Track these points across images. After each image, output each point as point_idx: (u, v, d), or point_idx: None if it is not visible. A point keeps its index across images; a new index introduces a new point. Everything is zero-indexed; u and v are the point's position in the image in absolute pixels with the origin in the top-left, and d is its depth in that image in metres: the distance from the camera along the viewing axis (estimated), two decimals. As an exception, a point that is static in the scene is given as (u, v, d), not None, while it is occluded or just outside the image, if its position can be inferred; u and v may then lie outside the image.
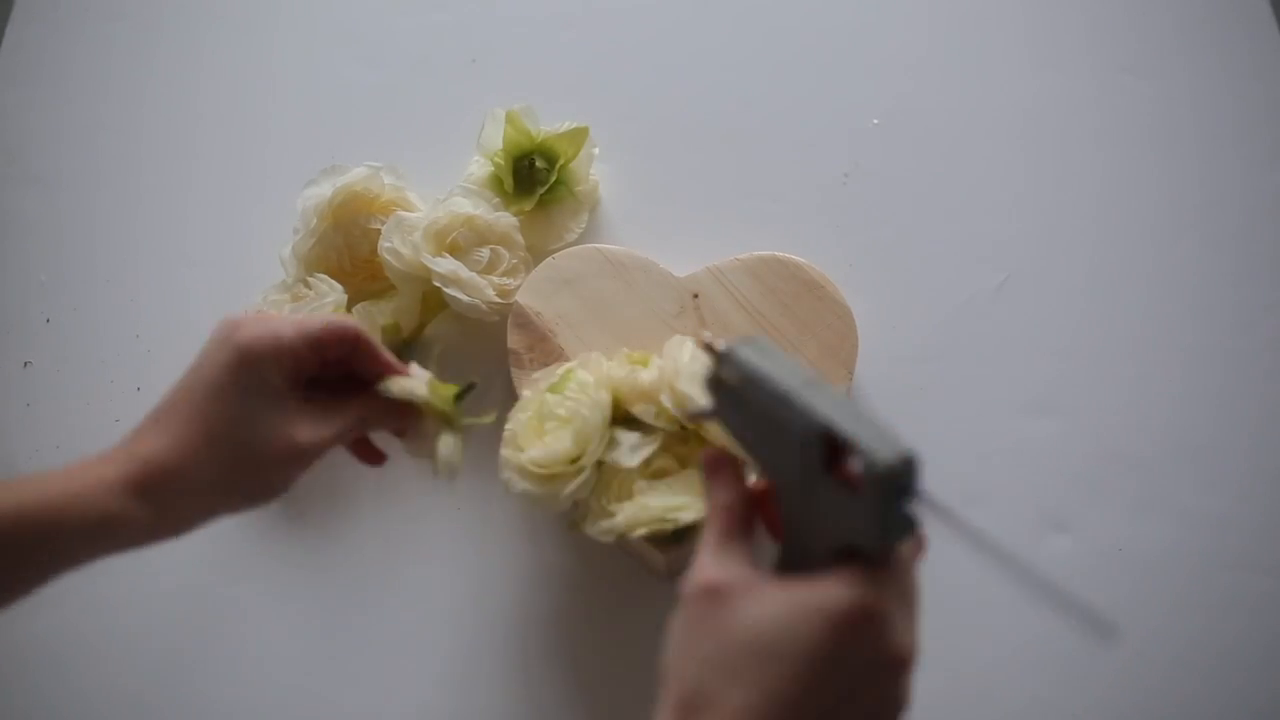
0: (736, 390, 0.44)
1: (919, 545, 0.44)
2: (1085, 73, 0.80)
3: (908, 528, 0.41)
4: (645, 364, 0.60)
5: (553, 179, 0.71)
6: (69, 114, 0.79)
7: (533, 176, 0.71)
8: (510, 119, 0.71)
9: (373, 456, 0.57)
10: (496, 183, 0.71)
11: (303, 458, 0.50)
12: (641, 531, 0.56)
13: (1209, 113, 0.79)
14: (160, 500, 0.46)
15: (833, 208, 0.76)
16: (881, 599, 0.40)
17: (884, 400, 0.68)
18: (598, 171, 0.74)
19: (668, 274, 0.67)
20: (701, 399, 0.53)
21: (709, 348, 0.46)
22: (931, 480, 0.66)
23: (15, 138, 0.78)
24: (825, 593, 0.39)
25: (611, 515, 0.57)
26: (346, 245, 0.69)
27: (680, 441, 0.59)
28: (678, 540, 0.58)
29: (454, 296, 0.65)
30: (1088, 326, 0.72)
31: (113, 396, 0.70)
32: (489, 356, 0.68)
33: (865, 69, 0.81)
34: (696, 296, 0.66)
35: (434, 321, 0.70)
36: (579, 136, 0.71)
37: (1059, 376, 0.70)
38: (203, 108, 0.79)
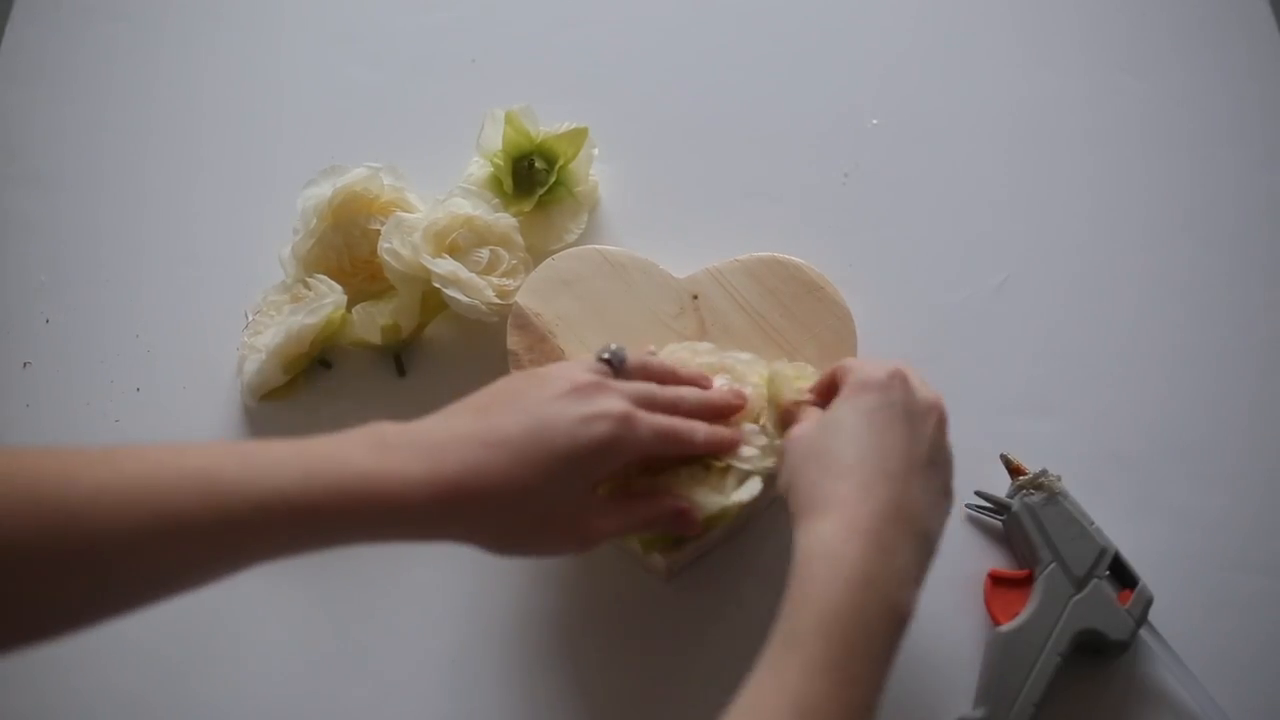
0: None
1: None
2: (1084, 73, 0.80)
3: None
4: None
5: (552, 179, 0.71)
6: (69, 114, 0.79)
7: (532, 177, 0.71)
8: (510, 119, 0.71)
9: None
10: (496, 183, 0.71)
11: (586, 542, 0.51)
12: (641, 538, 0.57)
13: (1208, 113, 0.79)
14: (452, 516, 0.47)
15: (833, 208, 0.76)
16: (897, 370, 0.52)
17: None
18: (597, 172, 0.74)
19: (667, 275, 0.67)
20: None
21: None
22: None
23: (15, 138, 0.78)
24: (857, 374, 0.52)
25: None
26: (346, 246, 0.69)
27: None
28: (677, 542, 0.58)
29: (453, 297, 0.65)
30: (1086, 327, 0.72)
31: (113, 396, 0.70)
32: (488, 357, 0.68)
33: (865, 69, 0.81)
34: (696, 297, 0.66)
35: (433, 322, 0.70)
36: (578, 137, 0.71)
37: (1058, 376, 0.70)
38: (203, 108, 0.80)
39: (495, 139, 0.71)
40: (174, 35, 0.82)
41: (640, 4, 0.83)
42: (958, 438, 0.66)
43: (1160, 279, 0.73)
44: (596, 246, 0.68)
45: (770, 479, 0.56)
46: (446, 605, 0.64)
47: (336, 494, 0.44)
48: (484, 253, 0.67)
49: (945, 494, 0.52)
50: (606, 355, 0.55)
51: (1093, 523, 0.62)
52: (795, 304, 0.65)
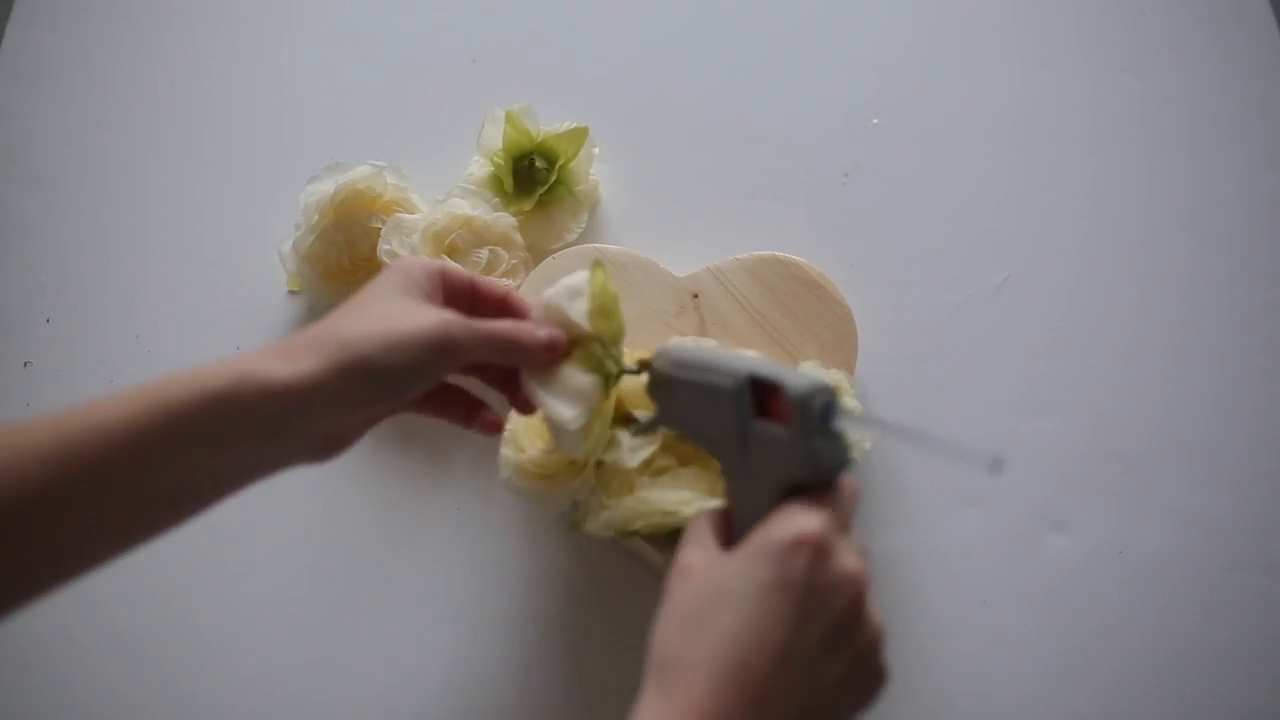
0: (671, 382, 0.50)
1: (855, 490, 0.46)
2: (1085, 73, 0.80)
3: (840, 454, 0.45)
4: None
5: (552, 179, 0.71)
6: (70, 113, 0.79)
7: (532, 176, 0.71)
8: (510, 119, 0.71)
9: (526, 407, 0.55)
10: (496, 183, 0.71)
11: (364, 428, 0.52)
12: (639, 525, 0.57)
13: (1208, 113, 0.79)
14: (349, 374, 0.46)
15: (833, 208, 0.76)
16: (820, 524, 0.43)
17: (884, 400, 0.68)
18: (598, 171, 0.74)
19: (668, 274, 0.67)
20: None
21: (642, 362, 0.53)
22: (931, 480, 0.67)
23: (16, 137, 0.78)
24: (767, 531, 0.43)
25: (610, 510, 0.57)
26: (347, 243, 0.69)
27: (680, 439, 0.59)
28: (676, 539, 0.58)
29: (453, 297, 0.65)
30: (1087, 326, 0.72)
31: (113, 396, 0.70)
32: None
33: (865, 69, 0.81)
34: (696, 296, 0.66)
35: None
36: (579, 136, 0.71)
37: (1058, 376, 0.70)
38: (203, 107, 0.79)
39: (495, 138, 0.71)
40: (175, 35, 0.82)
41: (640, 4, 0.83)
42: (958, 437, 0.67)
43: (1160, 279, 0.73)
44: (597, 245, 0.68)
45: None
46: (446, 605, 0.64)
47: (234, 381, 0.44)
48: (483, 253, 0.67)
49: (855, 679, 0.44)
50: None
51: (712, 367, 0.48)
52: (796, 303, 0.65)
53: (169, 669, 0.62)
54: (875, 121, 0.79)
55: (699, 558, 0.45)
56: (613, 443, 0.58)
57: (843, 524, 0.45)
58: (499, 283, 0.56)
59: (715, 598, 0.43)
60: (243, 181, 0.77)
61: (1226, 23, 0.82)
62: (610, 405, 0.55)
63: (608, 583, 0.64)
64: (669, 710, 0.41)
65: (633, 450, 0.58)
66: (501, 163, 0.71)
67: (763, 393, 0.46)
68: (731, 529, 0.48)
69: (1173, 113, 0.79)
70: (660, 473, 0.59)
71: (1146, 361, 0.71)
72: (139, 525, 0.45)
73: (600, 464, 0.58)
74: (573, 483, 0.57)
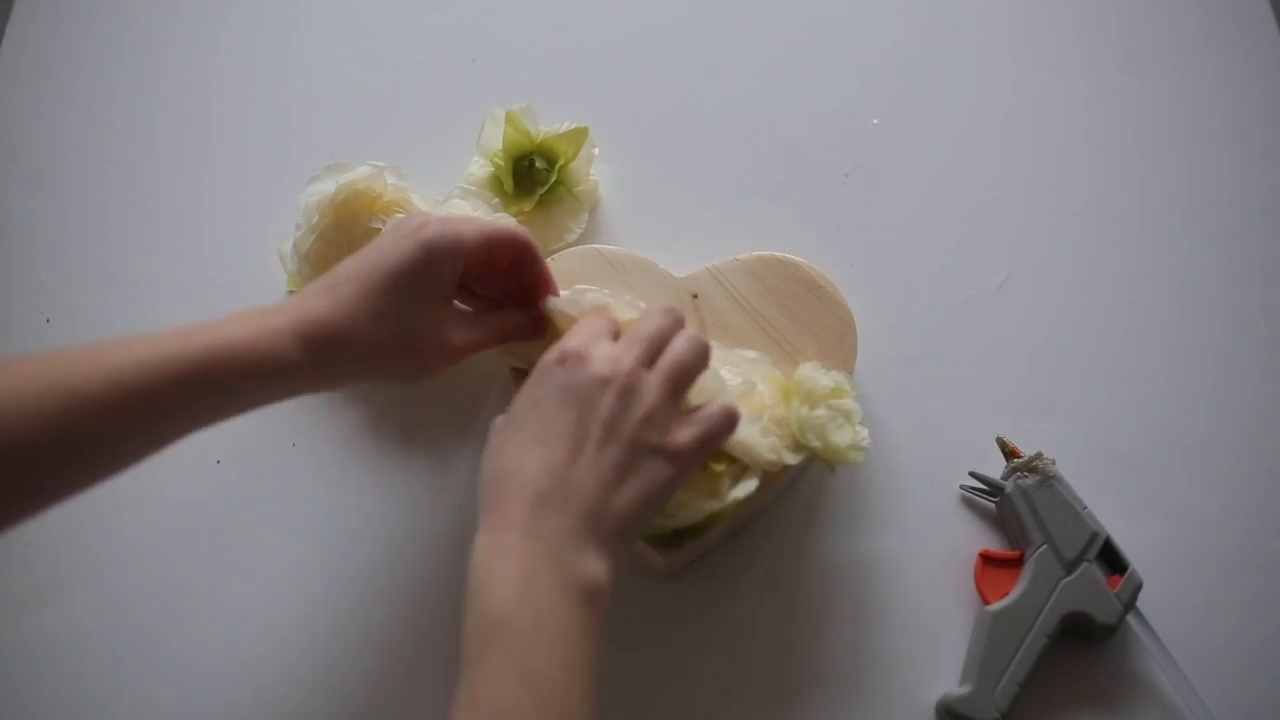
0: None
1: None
2: (1085, 73, 0.80)
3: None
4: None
5: (552, 179, 0.71)
6: (70, 113, 0.79)
7: (532, 177, 0.71)
8: (510, 119, 0.71)
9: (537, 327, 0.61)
10: (496, 183, 0.71)
11: (451, 356, 0.57)
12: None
13: (1209, 113, 0.79)
14: (322, 355, 0.51)
15: (832, 208, 0.76)
16: (577, 339, 0.52)
17: (883, 400, 0.68)
18: (597, 172, 0.74)
19: (667, 274, 0.67)
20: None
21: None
22: (931, 481, 0.67)
23: (16, 138, 0.78)
24: (536, 374, 0.52)
25: None
26: (347, 243, 0.69)
27: None
28: (677, 542, 0.58)
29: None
30: (1086, 326, 0.72)
31: (113, 396, 0.70)
32: (487, 354, 0.68)
33: (865, 69, 0.81)
34: (696, 296, 0.66)
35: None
36: (579, 137, 0.71)
37: (1057, 376, 0.70)
38: (204, 107, 0.79)
39: (495, 139, 0.71)
40: (175, 35, 0.82)
41: (640, 4, 0.83)
42: (958, 437, 0.67)
43: (1160, 279, 0.73)
44: (596, 246, 0.68)
45: (767, 477, 0.57)
46: (443, 605, 0.64)
47: (211, 351, 0.49)
48: (483, 253, 0.67)
49: (639, 463, 0.50)
50: None
51: (1085, 507, 0.63)
52: (796, 303, 0.65)
53: (172, 667, 0.62)
54: (875, 122, 0.79)
55: (499, 419, 0.53)
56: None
57: (633, 336, 0.53)
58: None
59: (506, 427, 0.51)
60: (243, 182, 0.77)
61: (1226, 23, 0.82)
62: None
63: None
64: (487, 537, 0.48)
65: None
66: (501, 163, 0.71)
67: None
68: None
69: (1173, 113, 0.79)
70: None
71: (1145, 362, 0.71)
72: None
73: None
74: None
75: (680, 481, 0.52)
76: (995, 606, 0.60)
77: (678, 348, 0.53)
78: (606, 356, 0.51)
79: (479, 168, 0.72)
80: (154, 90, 0.80)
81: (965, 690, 0.58)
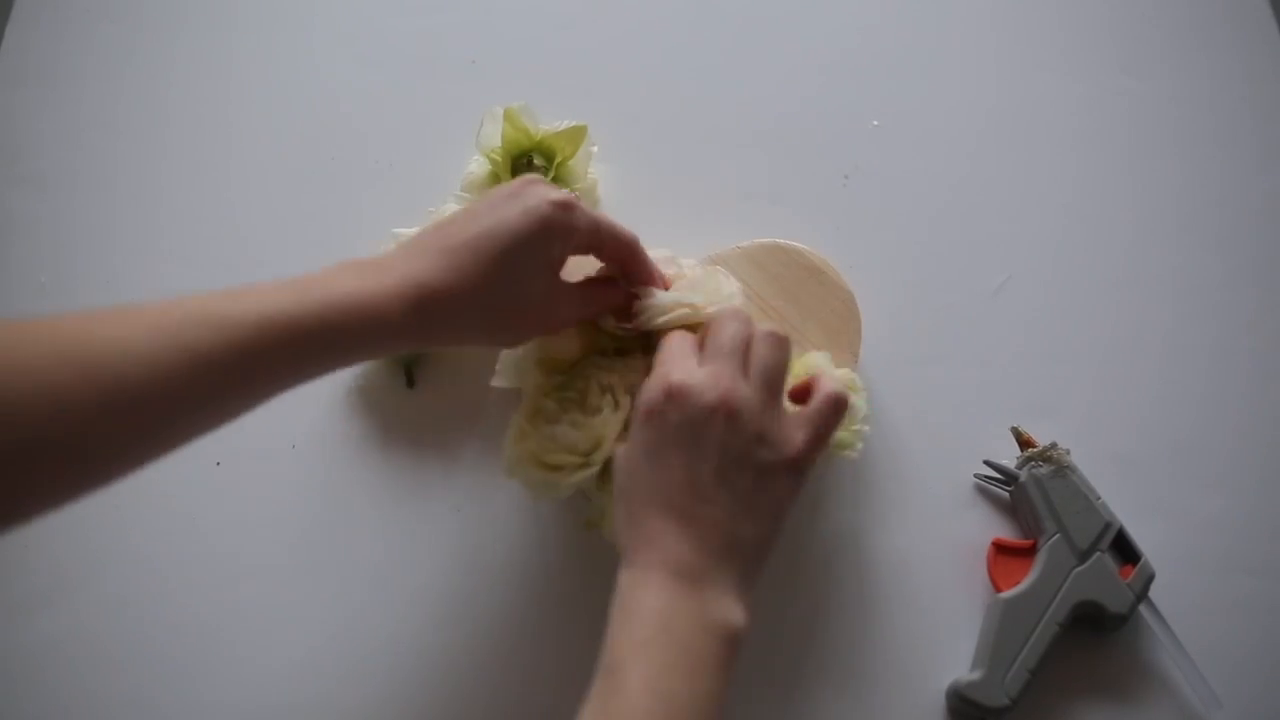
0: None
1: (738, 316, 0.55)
2: (1085, 74, 0.80)
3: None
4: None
5: (550, 176, 0.71)
6: (70, 114, 0.79)
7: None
8: (509, 117, 0.71)
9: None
10: (495, 180, 0.71)
11: (552, 326, 0.58)
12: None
13: (1210, 114, 0.79)
14: (429, 319, 0.52)
15: (833, 209, 0.76)
16: (670, 387, 0.51)
17: (883, 401, 0.68)
18: (597, 172, 0.74)
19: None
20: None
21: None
22: (932, 482, 0.67)
23: (16, 138, 0.78)
24: (643, 395, 0.52)
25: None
26: None
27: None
28: None
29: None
30: (1086, 328, 0.72)
31: (112, 397, 0.70)
32: (488, 356, 0.68)
33: (866, 70, 0.81)
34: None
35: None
36: (577, 135, 0.71)
37: (1057, 378, 0.70)
38: (203, 108, 0.79)
39: (494, 136, 0.71)
40: (176, 36, 0.82)
41: (640, 5, 0.83)
42: (957, 436, 0.67)
43: (1160, 280, 0.73)
44: None
45: None
46: (444, 601, 0.64)
47: (328, 309, 0.48)
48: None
49: (769, 479, 0.51)
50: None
51: (1099, 497, 0.63)
52: (798, 288, 0.66)
53: (172, 669, 0.62)
54: (875, 123, 0.79)
55: (619, 453, 0.53)
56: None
57: (718, 350, 0.52)
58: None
59: (624, 471, 0.52)
60: (243, 182, 0.77)
61: (1227, 25, 0.82)
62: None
63: (611, 577, 0.64)
64: (631, 575, 0.49)
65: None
66: (500, 160, 0.71)
67: None
68: None
69: (1173, 114, 0.79)
70: None
71: (1144, 362, 0.71)
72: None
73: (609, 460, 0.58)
74: (576, 474, 0.57)
75: (803, 485, 0.52)
76: (1007, 594, 0.61)
77: (760, 351, 0.53)
78: (706, 384, 0.51)
79: (479, 167, 0.72)
80: (154, 91, 0.80)
81: (976, 676, 0.59)
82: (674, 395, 0.51)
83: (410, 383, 0.69)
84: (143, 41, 0.82)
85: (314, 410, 0.68)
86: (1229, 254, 0.74)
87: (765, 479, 0.50)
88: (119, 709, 0.61)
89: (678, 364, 0.52)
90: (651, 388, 0.52)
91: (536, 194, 0.55)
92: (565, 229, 0.54)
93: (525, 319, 0.56)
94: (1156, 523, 0.65)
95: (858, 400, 0.61)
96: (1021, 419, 0.68)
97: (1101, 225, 0.75)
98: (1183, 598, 0.63)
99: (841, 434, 0.60)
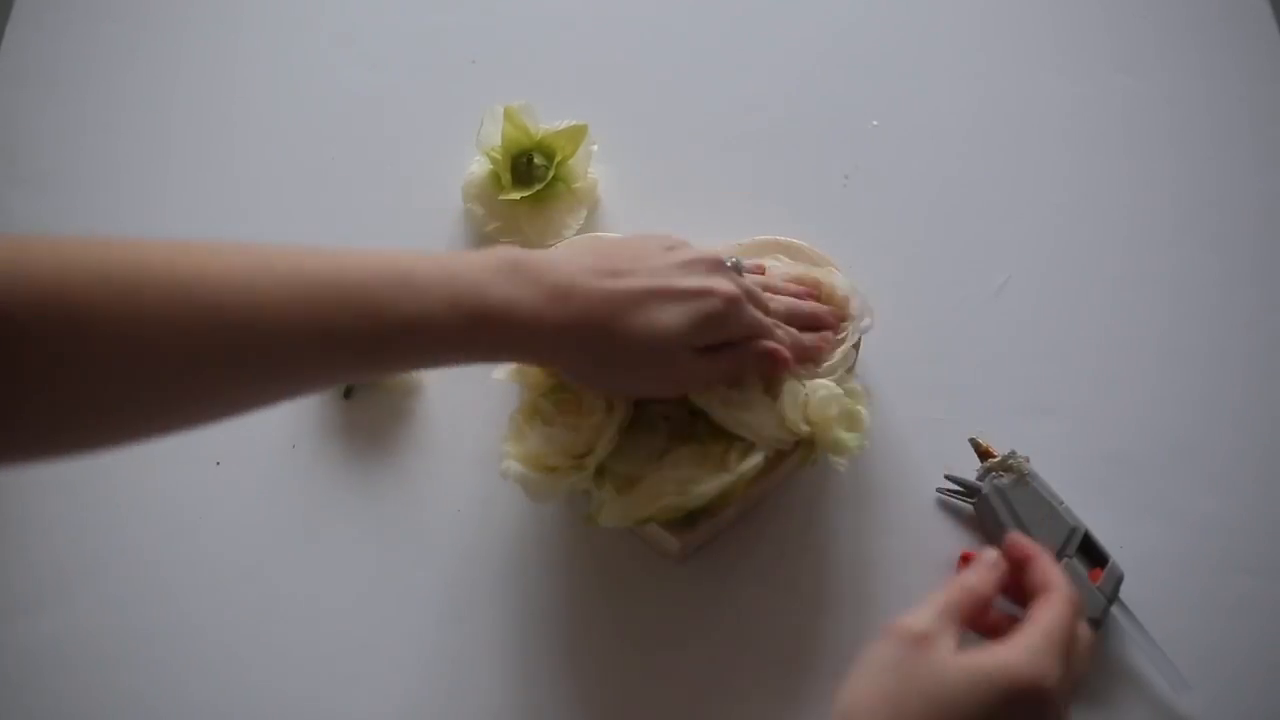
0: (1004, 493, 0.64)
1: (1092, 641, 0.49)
2: (1085, 74, 0.80)
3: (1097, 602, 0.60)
4: None
5: (550, 175, 0.71)
6: (70, 115, 0.79)
7: (530, 172, 0.72)
8: (509, 116, 0.71)
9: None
10: (494, 179, 0.71)
11: (691, 386, 0.58)
12: (654, 511, 0.57)
13: (1210, 114, 0.79)
14: (571, 351, 0.54)
15: (832, 209, 0.76)
16: (1053, 677, 0.43)
17: (883, 401, 0.68)
18: (598, 172, 0.74)
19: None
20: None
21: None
22: (932, 482, 0.67)
23: (16, 138, 0.78)
24: (1006, 658, 0.43)
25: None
26: None
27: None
28: (691, 523, 0.58)
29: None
30: (1086, 328, 0.72)
31: (112, 396, 0.70)
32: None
33: (865, 70, 0.81)
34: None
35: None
36: (577, 134, 0.72)
37: (1057, 377, 0.70)
38: (202, 108, 0.79)
39: (494, 135, 0.71)
40: (177, 36, 0.82)
41: (640, 4, 0.83)
42: (957, 436, 0.67)
43: (1160, 281, 0.73)
44: (595, 235, 0.68)
45: (778, 454, 0.59)
46: (459, 590, 0.64)
47: (479, 320, 0.50)
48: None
49: None
50: (730, 263, 0.59)
51: (1062, 502, 0.63)
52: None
53: (172, 669, 0.62)
54: (875, 123, 0.79)
55: (938, 633, 0.45)
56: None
57: (1072, 675, 0.46)
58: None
59: (936, 698, 0.43)
60: (243, 182, 0.77)
61: (1226, 25, 0.82)
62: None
63: (621, 566, 0.64)
64: None
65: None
66: (499, 158, 0.71)
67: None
68: (973, 618, 0.48)
69: (1173, 115, 0.79)
70: (661, 455, 0.59)
71: (1144, 363, 0.71)
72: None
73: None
74: (571, 476, 0.57)
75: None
76: None
77: (1081, 652, 0.47)
78: (1069, 708, 0.45)
79: (480, 166, 0.72)
80: (155, 91, 0.80)
81: None
82: (1039, 696, 0.43)
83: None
84: (143, 41, 0.82)
85: (314, 410, 0.68)
86: (1227, 254, 0.74)
87: None
88: (119, 709, 0.61)
89: (1053, 662, 0.44)
90: (1028, 668, 0.43)
91: (718, 283, 0.56)
92: (727, 327, 0.56)
93: (643, 377, 0.56)
94: (1152, 523, 0.65)
95: (861, 410, 0.61)
96: (1019, 418, 0.68)
97: (1104, 225, 0.75)
98: (1179, 598, 0.63)
99: (842, 435, 0.60)
